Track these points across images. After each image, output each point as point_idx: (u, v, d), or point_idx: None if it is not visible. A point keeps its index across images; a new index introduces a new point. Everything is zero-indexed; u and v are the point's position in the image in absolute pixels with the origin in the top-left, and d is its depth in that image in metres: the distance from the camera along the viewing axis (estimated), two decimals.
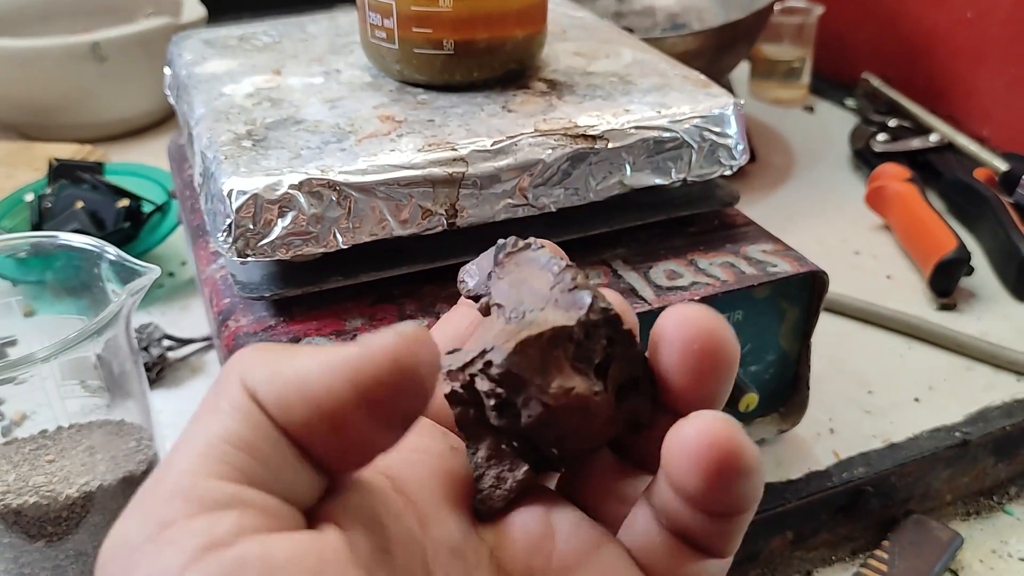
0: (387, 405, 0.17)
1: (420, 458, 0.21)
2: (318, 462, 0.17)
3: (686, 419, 0.18)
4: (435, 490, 0.20)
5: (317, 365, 0.17)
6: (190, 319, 0.59)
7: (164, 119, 0.90)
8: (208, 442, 0.17)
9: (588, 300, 0.20)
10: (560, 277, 0.21)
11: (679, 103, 0.42)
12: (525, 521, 0.20)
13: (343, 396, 0.17)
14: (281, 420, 0.17)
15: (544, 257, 0.21)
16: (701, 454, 0.17)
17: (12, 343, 0.45)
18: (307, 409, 0.17)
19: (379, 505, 0.18)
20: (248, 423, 0.17)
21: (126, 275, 0.39)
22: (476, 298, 0.23)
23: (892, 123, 0.77)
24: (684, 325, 0.19)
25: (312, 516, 0.17)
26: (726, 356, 0.19)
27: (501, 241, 0.23)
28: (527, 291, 0.21)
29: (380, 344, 0.17)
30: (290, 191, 0.36)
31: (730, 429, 0.18)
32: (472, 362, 0.20)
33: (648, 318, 0.30)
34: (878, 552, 0.43)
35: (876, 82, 0.83)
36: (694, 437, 0.18)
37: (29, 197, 0.63)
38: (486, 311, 0.22)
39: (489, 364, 0.20)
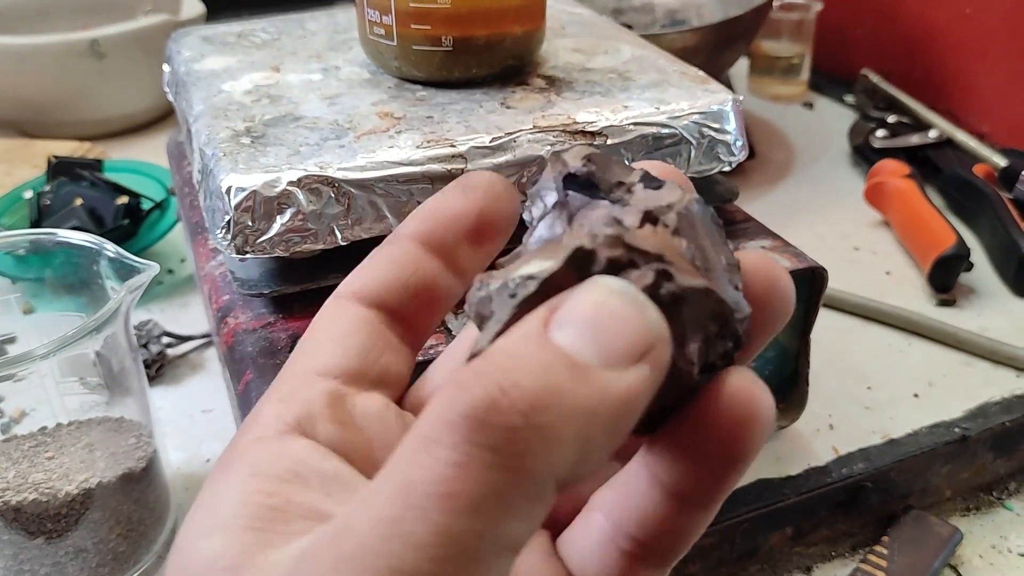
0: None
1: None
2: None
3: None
4: None
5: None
6: (189, 316, 0.59)
7: (163, 116, 0.89)
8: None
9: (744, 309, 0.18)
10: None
11: (678, 99, 0.42)
12: None
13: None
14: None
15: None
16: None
17: (11, 340, 0.45)
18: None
19: None
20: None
21: (125, 272, 0.39)
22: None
23: (891, 119, 0.77)
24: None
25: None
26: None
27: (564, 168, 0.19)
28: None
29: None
30: (289, 188, 0.36)
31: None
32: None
33: None
34: (878, 548, 0.43)
35: (875, 78, 0.83)
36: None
37: (28, 194, 0.63)
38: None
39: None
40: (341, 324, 0.20)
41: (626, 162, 0.19)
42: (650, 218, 0.17)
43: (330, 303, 0.21)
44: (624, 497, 0.18)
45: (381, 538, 0.13)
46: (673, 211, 0.17)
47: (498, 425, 0.13)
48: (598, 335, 0.15)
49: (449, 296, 0.21)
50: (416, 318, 0.21)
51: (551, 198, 0.19)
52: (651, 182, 0.18)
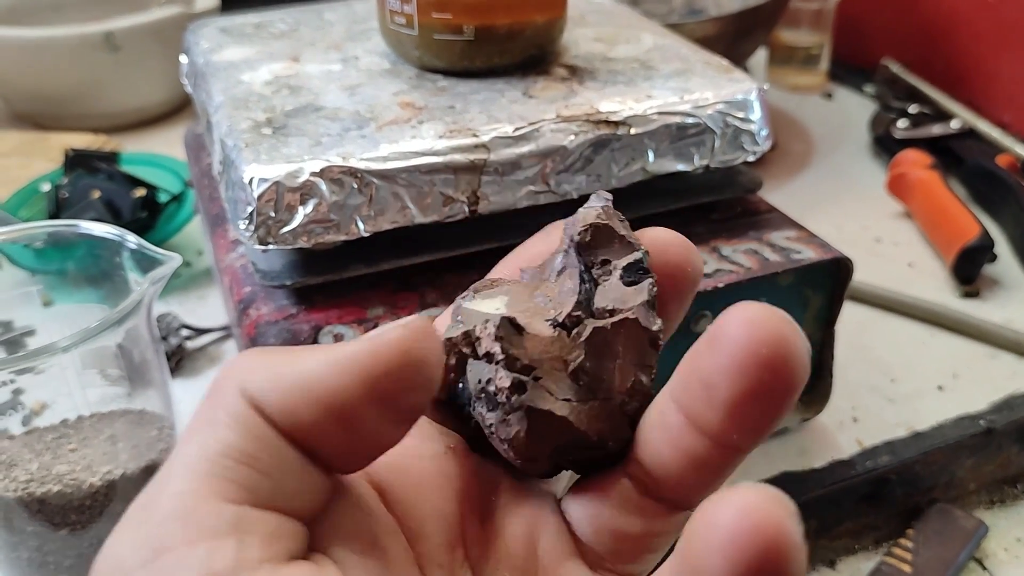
0: (396, 398, 0.17)
1: (413, 464, 0.20)
2: (324, 463, 0.17)
3: (725, 494, 0.14)
4: (428, 501, 0.19)
5: (324, 364, 0.17)
6: (207, 309, 0.58)
7: (178, 108, 0.89)
8: (206, 457, 0.16)
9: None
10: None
11: (702, 88, 0.42)
12: (513, 534, 0.20)
13: (352, 392, 0.16)
14: (285, 424, 0.17)
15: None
16: (738, 544, 0.14)
17: (31, 333, 0.45)
18: (314, 409, 0.16)
19: (373, 528, 0.18)
20: (249, 433, 0.16)
21: (146, 264, 0.38)
22: None
23: (912, 109, 0.77)
24: (752, 325, 0.16)
25: (312, 534, 0.17)
26: (793, 376, 0.16)
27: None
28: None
29: (388, 338, 0.17)
30: (311, 178, 0.36)
31: (779, 509, 0.14)
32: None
33: None
34: (902, 541, 0.43)
35: (896, 68, 0.82)
36: (733, 519, 0.14)
37: (46, 187, 0.63)
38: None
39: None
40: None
41: (631, 239, 0.21)
42: (571, 320, 0.20)
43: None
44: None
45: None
46: (609, 319, 0.20)
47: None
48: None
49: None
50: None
51: (561, 256, 0.21)
52: (631, 275, 0.20)
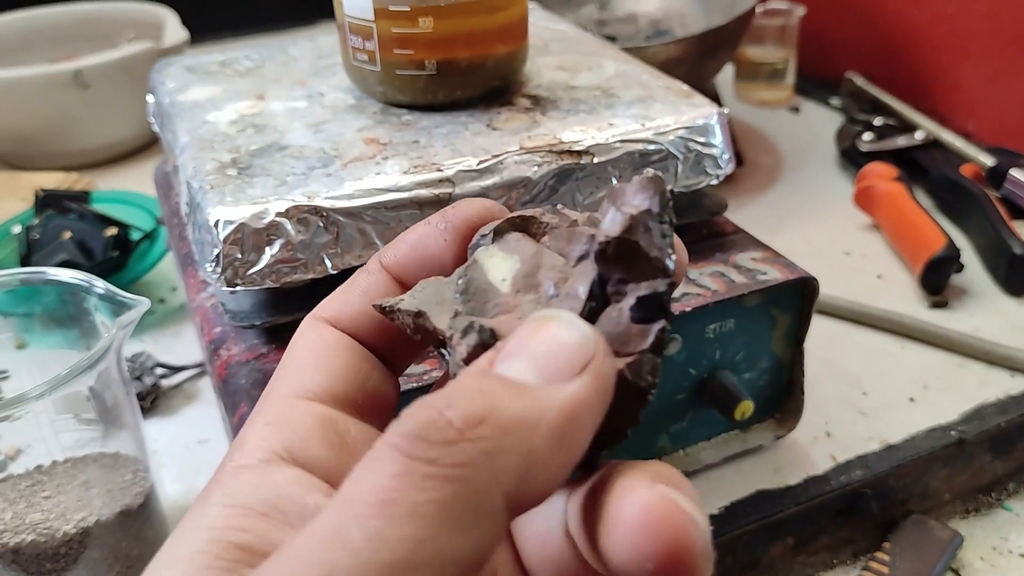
0: None
1: None
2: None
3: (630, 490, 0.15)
4: None
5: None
6: (182, 345, 0.58)
7: (149, 144, 0.89)
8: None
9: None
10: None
11: (663, 115, 0.42)
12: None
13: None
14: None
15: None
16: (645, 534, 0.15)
17: (5, 376, 0.45)
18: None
19: None
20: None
21: (116, 308, 0.38)
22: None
23: (877, 122, 0.78)
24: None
25: None
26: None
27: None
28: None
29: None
30: (277, 219, 0.36)
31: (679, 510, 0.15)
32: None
33: None
34: (879, 554, 0.43)
35: (860, 81, 0.83)
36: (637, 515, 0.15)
37: (17, 229, 0.63)
38: None
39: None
40: (324, 346, 0.20)
41: (661, 261, 0.18)
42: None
43: (308, 325, 0.21)
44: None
45: (317, 548, 0.13)
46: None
47: (435, 439, 0.14)
48: (536, 357, 0.15)
49: None
50: (391, 350, 0.21)
51: (584, 241, 0.19)
52: (643, 310, 0.18)
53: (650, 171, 0.19)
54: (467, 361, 0.18)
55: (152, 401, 0.53)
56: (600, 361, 0.16)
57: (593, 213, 0.20)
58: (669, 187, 0.20)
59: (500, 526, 0.14)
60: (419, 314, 0.19)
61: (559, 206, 0.21)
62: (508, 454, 0.14)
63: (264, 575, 0.14)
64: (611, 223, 0.18)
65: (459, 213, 0.21)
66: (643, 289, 0.18)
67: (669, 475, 0.16)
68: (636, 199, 0.18)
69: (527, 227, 0.21)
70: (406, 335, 0.20)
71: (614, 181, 0.41)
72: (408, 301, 0.20)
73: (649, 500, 0.15)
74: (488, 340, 0.18)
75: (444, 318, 0.19)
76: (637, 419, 0.18)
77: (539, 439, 0.15)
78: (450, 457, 0.14)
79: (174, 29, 0.87)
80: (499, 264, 0.20)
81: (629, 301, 0.18)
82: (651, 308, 0.18)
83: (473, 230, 0.21)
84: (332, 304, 0.21)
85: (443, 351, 0.20)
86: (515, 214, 0.21)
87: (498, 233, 0.20)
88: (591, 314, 0.18)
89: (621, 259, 0.18)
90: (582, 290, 0.18)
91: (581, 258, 0.19)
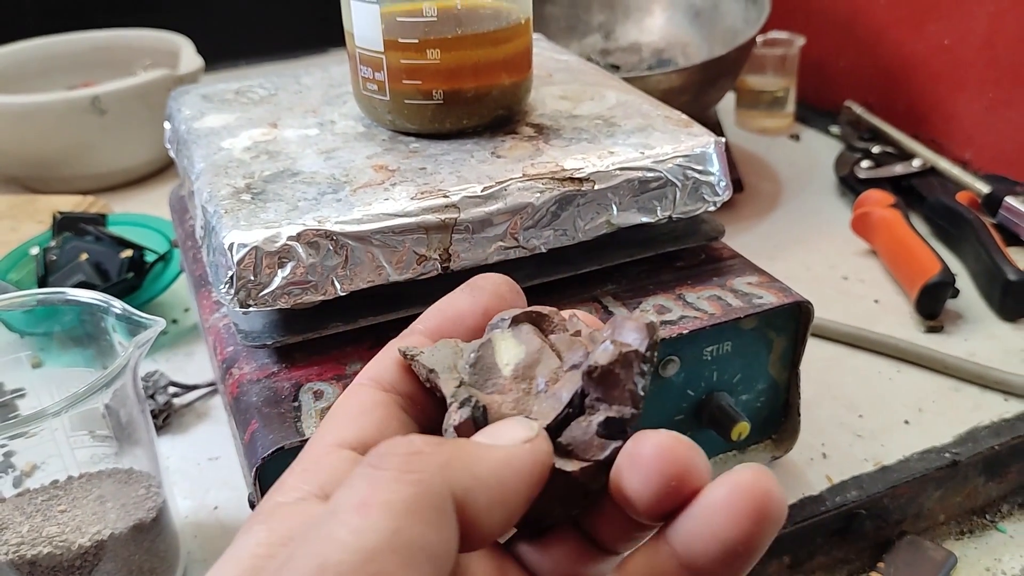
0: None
1: None
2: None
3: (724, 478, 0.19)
4: None
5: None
6: (194, 364, 0.60)
7: (164, 168, 0.91)
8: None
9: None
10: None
11: (662, 143, 0.44)
12: None
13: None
14: None
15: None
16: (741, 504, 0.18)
17: (22, 395, 0.46)
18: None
19: None
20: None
21: (132, 327, 0.40)
22: None
23: (875, 149, 0.79)
24: (663, 457, 0.19)
25: None
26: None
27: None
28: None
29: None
30: (289, 243, 0.37)
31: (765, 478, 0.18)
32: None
33: None
34: (874, 574, 0.44)
35: (858, 109, 0.85)
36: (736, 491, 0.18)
37: (35, 251, 0.65)
38: None
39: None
40: (359, 403, 0.23)
41: (634, 394, 0.21)
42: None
43: (351, 387, 0.24)
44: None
45: (311, 547, 0.17)
46: (554, 462, 0.21)
47: (398, 453, 0.18)
48: (492, 434, 0.21)
49: None
50: (427, 401, 0.24)
51: (581, 353, 0.23)
52: (607, 429, 0.21)
53: (649, 317, 0.22)
54: (457, 429, 0.21)
55: (165, 419, 0.54)
56: (539, 442, 0.20)
57: (595, 331, 0.23)
58: (659, 322, 0.24)
59: (455, 525, 0.18)
60: (432, 371, 0.23)
61: (575, 313, 0.24)
62: (457, 469, 0.18)
63: (266, 575, 0.17)
64: (603, 352, 0.21)
65: (487, 284, 0.25)
66: (613, 412, 0.21)
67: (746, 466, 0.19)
68: (630, 336, 0.21)
69: (540, 322, 0.24)
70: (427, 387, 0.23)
71: (614, 208, 0.42)
72: (427, 356, 0.23)
73: (737, 479, 0.19)
74: (479, 417, 0.21)
75: (450, 385, 0.22)
76: (583, 509, 0.22)
77: (483, 468, 0.19)
78: (410, 465, 0.18)
79: (189, 57, 0.90)
80: (509, 350, 0.23)
81: (599, 418, 0.21)
82: (615, 429, 0.21)
83: (496, 294, 0.24)
84: (373, 367, 0.24)
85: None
86: (533, 308, 0.24)
87: (515, 321, 0.23)
88: (567, 417, 0.21)
89: (603, 382, 0.21)
90: (565, 396, 0.21)
91: (573, 367, 0.22)
